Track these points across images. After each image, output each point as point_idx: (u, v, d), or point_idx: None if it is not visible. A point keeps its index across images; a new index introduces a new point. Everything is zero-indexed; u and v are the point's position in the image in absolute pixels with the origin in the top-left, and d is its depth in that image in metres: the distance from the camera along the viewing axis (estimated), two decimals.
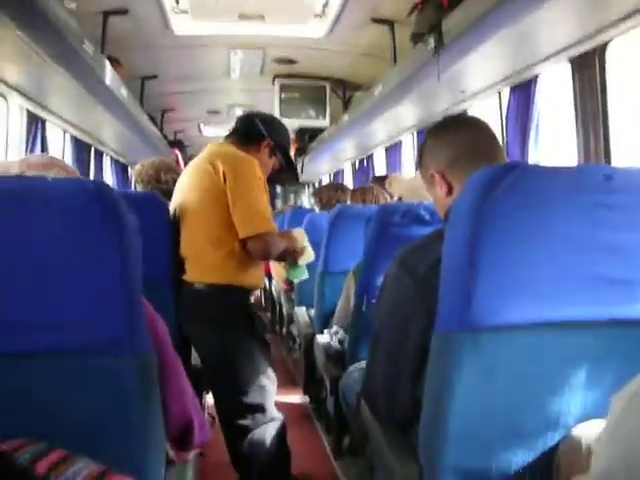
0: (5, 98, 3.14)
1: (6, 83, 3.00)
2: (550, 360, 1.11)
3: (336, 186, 4.14)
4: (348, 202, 3.44)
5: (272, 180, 2.38)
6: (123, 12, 3.74)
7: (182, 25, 4.15)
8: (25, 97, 3.33)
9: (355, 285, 2.33)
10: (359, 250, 2.30)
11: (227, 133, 2.32)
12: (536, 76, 3.00)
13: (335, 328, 2.51)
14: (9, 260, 0.96)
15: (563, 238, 1.07)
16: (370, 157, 6.45)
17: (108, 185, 1.06)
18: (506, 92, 3.32)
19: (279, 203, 10.25)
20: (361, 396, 1.52)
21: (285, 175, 2.47)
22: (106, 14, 3.73)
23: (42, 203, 0.97)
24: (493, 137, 1.39)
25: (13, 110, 3.32)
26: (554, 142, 3.17)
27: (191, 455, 1.39)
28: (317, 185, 9.71)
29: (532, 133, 3.06)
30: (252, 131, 2.27)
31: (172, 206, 2.24)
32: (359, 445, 1.77)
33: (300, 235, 2.39)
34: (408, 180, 3.49)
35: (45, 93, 3.39)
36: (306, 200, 10.65)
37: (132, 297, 1.03)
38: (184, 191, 2.18)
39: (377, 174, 5.51)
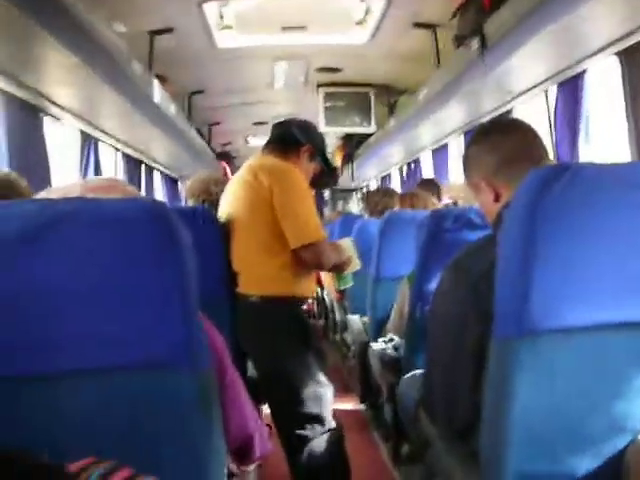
0: (60, 120, 3.24)
1: (60, 106, 3.09)
2: (612, 362, 1.08)
3: (384, 191, 4.12)
4: (396, 207, 3.43)
5: (314, 185, 2.40)
6: (169, 31, 3.82)
7: (226, 40, 4.20)
8: (78, 118, 3.43)
9: (410, 291, 2.31)
10: (411, 256, 2.29)
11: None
12: (583, 71, 2.94)
13: (390, 335, 2.50)
14: (67, 280, 0.97)
15: (621, 237, 1.05)
16: (417, 160, 6.42)
17: (163, 203, 1.07)
18: (553, 90, 3.26)
19: (327, 210, 10.23)
20: (420, 404, 1.51)
21: (325, 178, 2.48)
22: (152, 34, 3.82)
23: (98, 224, 0.99)
24: (537, 139, 1.37)
25: (67, 131, 3.43)
26: (606, 138, 3.10)
27: (251, 467, 1.40)
28: (365, 190, 9.70)
29: (582, 130, 2.99)
30: (290, 139, 2.28)
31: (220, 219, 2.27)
32: (418, 452, 1.75)
33: (346, 245, 2.40)
34: (461, 185, 3.47)
35: (97, 113, 3.49)
36: (354, 206, 10.64)
37: (189, 313, 1.03)
38: (231, 206, 2.20)
39: (424, 177, 5.48)
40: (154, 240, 1.00)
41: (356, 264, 2.40)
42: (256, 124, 6.94)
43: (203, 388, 1.05)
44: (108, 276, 0.99)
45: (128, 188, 1.22)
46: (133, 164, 4.89)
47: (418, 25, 3.94)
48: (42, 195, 1.18)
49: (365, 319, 3.33)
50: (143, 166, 5.22)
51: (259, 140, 7.64)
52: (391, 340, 2.46)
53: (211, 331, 1.19)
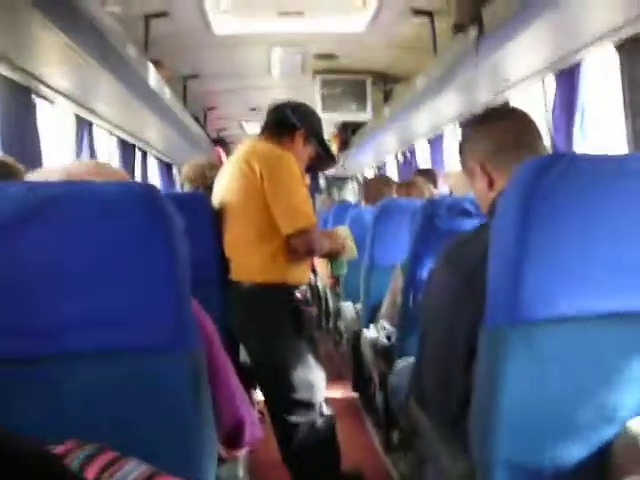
0: (52, 102, 3.21)
1: (53, 88, 3.06)
2: (604, 352, 1.08)
3: (381, 179, 4.13)
4: (393, 195, 3.42)
5: (310, 169, 2.38)
6: (164, 14, 3.78)
7: (222, 24, 4.16)
8: (72, 100, 3.39)
9: (403, 280, 2.31)
10: (405, 245, 2.29)
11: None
12: (580, 62, 2.92)
13: (382, 323, 2.50)
14: (58, 264, 0.97)
15: (615, 227, 1.05)
16: (413, 149, 6.40)
17: (155, 187, 1.07)
18: (549, 79, 3.24)
19: (320, 199, 10.15)
20: (410, 393, 1.51)
21: (323, 161, 2.46)
22: (147, 17, 3.78)
23: (90, 207, 0.99)
24: (533, 127, 1.37)
25: (61, 114, 3.39)
26: (602, 128, 3.09)
27: (241, 452, 1.40)
28: (360, 178, 9.67)
29: (578, 120, 2.98)
30: (284, 123, 2.26)
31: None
32: (408, 440, 1.76)
33: (343, 232, 2.39)
34: (458, 174, 3.46)
35: (91, 96, 3.45)
36: (350, 194, 10.60)
37: (180, 298, 1.03)
38: (223, 192, 2.19)
39: (421, 167, 5.46)
40: (145, 224, 1.00)
41: (352, 250, 2.39)
42: (252, 110, 6.90)
43: (194, 372, 1.06)
44: (99, 260, 0.99)
45: (116, 173, 1.20)
46: (128, 149, 4.86)
47: (416, 12, 3.91)
48: (28, 178, 1.17)
49: (358, 306, 3.33)
50: (138, 151, 5.19)
51: (254, 126, 7.60)
52: (384, 328, 2.47)
53: (201, 315, 1.19)
